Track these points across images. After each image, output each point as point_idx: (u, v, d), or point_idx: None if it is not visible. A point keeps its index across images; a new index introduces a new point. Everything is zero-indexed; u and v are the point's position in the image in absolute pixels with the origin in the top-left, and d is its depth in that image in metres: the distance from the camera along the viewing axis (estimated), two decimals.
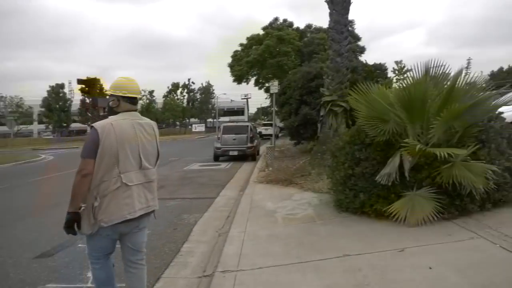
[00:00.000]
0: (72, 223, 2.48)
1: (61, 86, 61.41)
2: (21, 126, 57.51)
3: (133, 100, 2.71)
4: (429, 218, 4.14)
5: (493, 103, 4.68)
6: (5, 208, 7.95)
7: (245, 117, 70.17)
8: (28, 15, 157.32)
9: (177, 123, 74.06)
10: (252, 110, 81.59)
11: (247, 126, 16.07)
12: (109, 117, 2.64)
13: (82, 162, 2.46)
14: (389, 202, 4.47)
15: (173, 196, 8.01)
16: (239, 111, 78.41)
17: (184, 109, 67.77)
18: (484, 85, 4.65)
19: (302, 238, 4.22)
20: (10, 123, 28.80)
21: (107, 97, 2.75)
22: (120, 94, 2.64)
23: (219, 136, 15.67)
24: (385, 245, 3.77)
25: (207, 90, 69.72)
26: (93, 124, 2.52)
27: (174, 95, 69.99)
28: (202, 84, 70.99)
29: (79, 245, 4.76)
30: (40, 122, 63.94)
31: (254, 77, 43.88)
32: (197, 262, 4.10)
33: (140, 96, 2.80)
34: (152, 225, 5.53)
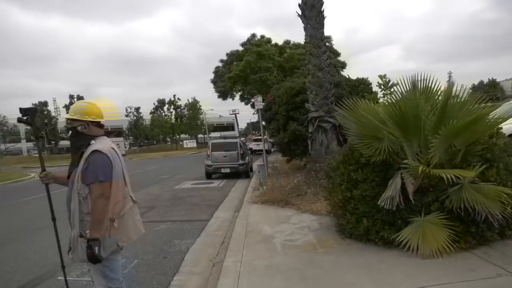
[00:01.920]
0: (98, 250, 2.38)
1: (45, 104, 60.90)
2: (8, 145, 56.71)
3: (100, 124, 2.70)
4: (445, 248, 3.79)
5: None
6: None
7: (235, 133, 70.06)
8: (4, 35, 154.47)
9: (168, 139, 73.57)
10: (242, 125, 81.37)
11: (237, 142, 15.76)
12: (97, 141, 2.58)
13: (102, 185, 2.43)
14: (396, 228, 4.14)
15: (163, 219, 7.60)
16: (229, 127, 78.42)
17: (172, 125, 67.32)
18: (480, 98, 4.32)
19: (305, 271, 3.83)
20: None
21: (68, 121, 2.67)
22: (90, 119, 2.59)
23: (209, 153, 15.33)
24: (399, 281, 3.38)
25: (194, 106, 69.34)
26: (96, 149, 2.48)
27: (161, 111, 69.64)
28: (188, 100, 70.68)
29: (59, 277, 4.35)
30: (28, 140, 62.85)
31: (239, 93, 43.94)
32: None
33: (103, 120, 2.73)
34: (141, 253, 5.20)
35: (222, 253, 5.03)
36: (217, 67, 44.88)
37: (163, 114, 69.14)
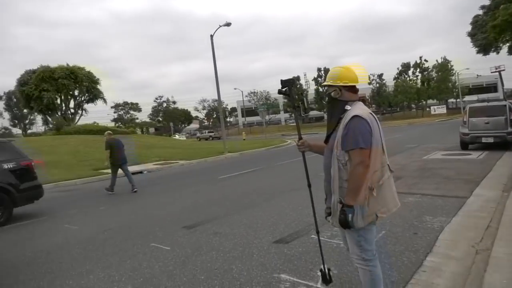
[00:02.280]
0: (351, 217, 2.35)
1: (297, 78, 68.45)
2: (271, 116, 68.65)
3: (354, 89, 2.53)
4: None
5: None
6: (256, 188, 9.15)
7: (499, 94, 58.02)
8: (266, 23, 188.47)
9: (413, 106, 69.22)
10: (508, 84, 66.28)
11: (505, 106, 12.75)
12: (353, 107, 2.46)
13: (362, 152, 2.32)
14: None
15: (411, 191, 7.08)
16: (490, 87, 66.16)
17: (418, 90, 62.25)
18: None
19: None
20: (262, 113, 34.31)
21: (325, 88, 2.61)
22: (341, 84, 2.49)
23: (465, 119, 13.14)
24: None
25: (444, 67, 61.37)
26: (357, 114, 2.37)
27: (406, 76, 65.38)
28: (436, 61, 63.16)
29: (312, 236, 4.74)
30: (285, 112, 73.68)
31: (507, 44, 35.21)
32: (446, 287, 3.24)
33: (357, 84, 2.56)
34: (388, 224, 5.00)
35: (487, 240, 4.18)
36: (476, 16, 37.97)
37: (408, 79, 65.08)
